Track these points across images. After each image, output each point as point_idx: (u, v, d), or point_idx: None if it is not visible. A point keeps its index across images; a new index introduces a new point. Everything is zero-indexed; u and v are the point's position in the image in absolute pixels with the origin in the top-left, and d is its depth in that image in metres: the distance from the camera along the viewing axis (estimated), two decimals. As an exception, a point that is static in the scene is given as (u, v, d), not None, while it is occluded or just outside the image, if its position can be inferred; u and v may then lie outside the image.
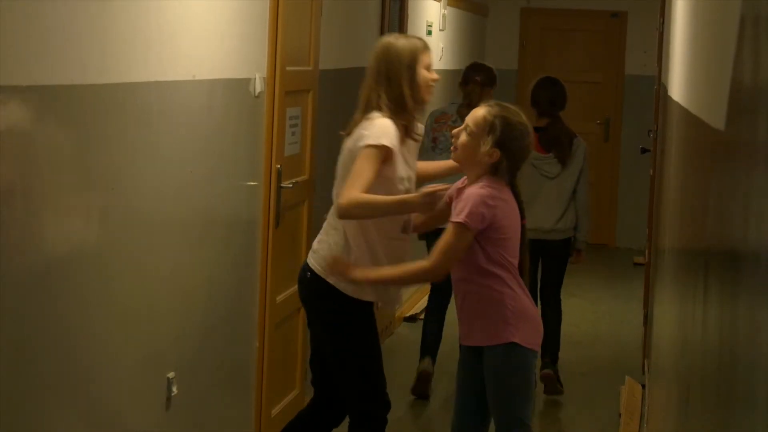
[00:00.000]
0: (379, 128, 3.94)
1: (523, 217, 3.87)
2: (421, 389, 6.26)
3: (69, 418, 3.27)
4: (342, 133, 4.07)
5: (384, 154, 3.92)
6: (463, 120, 4.76)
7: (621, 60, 11.27)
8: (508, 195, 3.81)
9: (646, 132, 8.38)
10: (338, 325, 4.04)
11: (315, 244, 4.09)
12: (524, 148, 3.82)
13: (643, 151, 8.29)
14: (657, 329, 5.28)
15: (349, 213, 3.89)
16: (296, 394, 5.43)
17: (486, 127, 3.77)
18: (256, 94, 4.64)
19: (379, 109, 4.01)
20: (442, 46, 9.06)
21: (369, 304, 4.05)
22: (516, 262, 3.82)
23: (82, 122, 3.24)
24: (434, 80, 4.14)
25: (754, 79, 1.73)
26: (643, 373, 6.57)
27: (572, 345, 7.68)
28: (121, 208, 3.52)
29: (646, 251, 7.52)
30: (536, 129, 5.37)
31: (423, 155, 6.32)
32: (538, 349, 3.86)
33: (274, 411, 5.11)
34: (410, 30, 7.78)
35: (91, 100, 3.29)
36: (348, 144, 4.02)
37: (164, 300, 3.89)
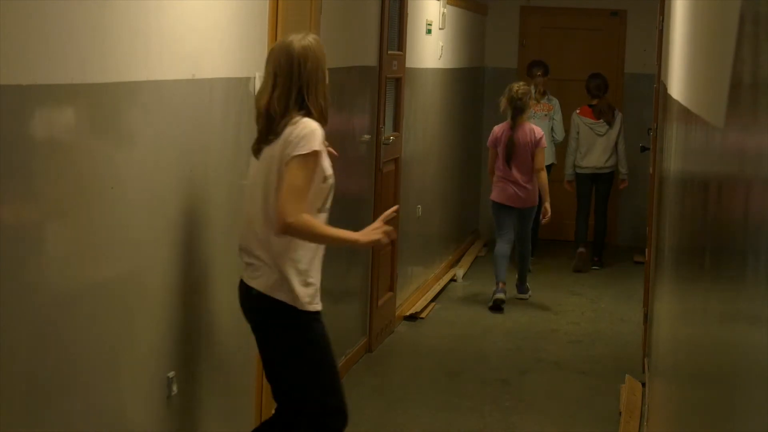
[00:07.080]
0: (309, 133, 3.86)
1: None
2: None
3: (69, 417, 3.27)
4: (260, 146, 3.96)
5: (315, 160, 3.87)
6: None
7: (621, 58, 11.26)
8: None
9: (646, 130, 8.38)
10: (289, 338, 3.96)
11: (254, 264, 3.94)
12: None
13: (643, 149, 8.29)
14: (657, 328, 5.28)
15: (292, 232, 3.82)
16: (296, 393, 5.43)
17: None
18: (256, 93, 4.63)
19: (306, 112, 3.92)
20: (441, 44, 9.05)
21: (316, 315, 3.97)
22: None
23: (81, 121, 3.25)
24: None
25: (753, 77, 1.73)
26: (644, 371, 6.57)
27: (572, 343, 7.69)
28: (121, 207, 3.52)
29: (647, 249, 7.52)
30: (590, 105, 9.98)
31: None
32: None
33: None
34: (410, 29, 7.78)
35: (91, 100, 3.29)
36: (274, 151, 3.89)
37: (164, 299, 3.89)
